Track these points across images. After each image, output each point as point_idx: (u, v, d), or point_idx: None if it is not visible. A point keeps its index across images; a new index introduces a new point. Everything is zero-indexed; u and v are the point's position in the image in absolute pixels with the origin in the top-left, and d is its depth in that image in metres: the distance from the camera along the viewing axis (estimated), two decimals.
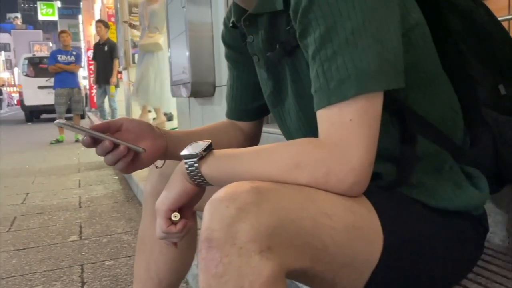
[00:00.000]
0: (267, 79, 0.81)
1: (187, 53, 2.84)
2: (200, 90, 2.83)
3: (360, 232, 0.60)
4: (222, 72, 2.66)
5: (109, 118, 7.04)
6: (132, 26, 6.34)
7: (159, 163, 0.87)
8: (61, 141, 6.87)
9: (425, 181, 0.69)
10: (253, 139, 1.00)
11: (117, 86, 7.09)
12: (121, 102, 7.90)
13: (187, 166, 0.65)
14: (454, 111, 0.73)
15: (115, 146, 0.73)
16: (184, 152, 0.66)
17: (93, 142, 0.73)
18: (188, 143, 0.88)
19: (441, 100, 0.71)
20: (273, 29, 0.74)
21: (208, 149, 0.65)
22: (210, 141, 0.66)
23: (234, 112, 0.98)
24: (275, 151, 0.61)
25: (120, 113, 7.48)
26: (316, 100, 0.60)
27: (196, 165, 0.64)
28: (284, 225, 0.53)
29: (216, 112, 2.84)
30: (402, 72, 0.61)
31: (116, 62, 6.77)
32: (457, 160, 0.72)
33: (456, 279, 0.76)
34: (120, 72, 7.36)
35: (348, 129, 0.57)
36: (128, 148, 0.74)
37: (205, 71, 2.80)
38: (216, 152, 0.65)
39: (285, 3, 0.68)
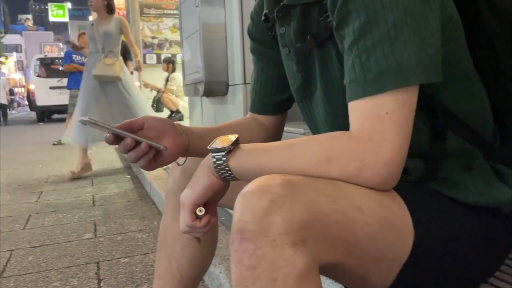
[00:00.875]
0: (296, 71, 0.81)
1: (200, 53, 2.84)
2: (214, 89, 2.83)
3: (391, 227, 0.60)
4: (235, 71, 2.66)
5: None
6: (76, 48, 5.64)
7: (181, 160, 0.87)
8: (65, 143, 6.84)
9: (455, 177, 0.69)
10: (275, 135, 1.00)
11: None
12: None
13: (214, 160, 0.65)
14: (484, 109, 0.73)
15: (137, 143, 0.74)
16: (212, 146, 0.66)
17: (116, 139, 0.74)
18: (210, 140, 0.88)
19: (472, 96, 0.71)
20: (306, 20, 0.74)
21: (236, 143, 0.65)
22: (237, 135, 0.66)
23: (258, 106, 0.98)
24: (306, 145, 0.61)
25: None
26: (350, 91, 0.60)
27: (224, 159, 0.64)
28: (317, 218, 0.53)
29: (229, 111, 2.84)
30: (440, 66, 0.60)
31: (129, 64, 6.81)
32: (487, 158, 0.71)
33: (484, 276, 0.75)
34: (131, 73, 7.40)
35: (383, 123, 0.56)
36: (150, 145, 0.74)
37: (218, 70, 2.80)
38: (244, 146, 0.65)
39: None
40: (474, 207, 0.68)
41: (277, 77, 0.93)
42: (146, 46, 7.53)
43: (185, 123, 5.18)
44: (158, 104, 6.90)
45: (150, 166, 0.78)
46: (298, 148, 0.61)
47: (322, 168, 0.58)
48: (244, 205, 0.53)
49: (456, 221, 0.67)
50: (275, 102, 0.96)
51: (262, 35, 0.92)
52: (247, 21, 0.97)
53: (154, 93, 7.03)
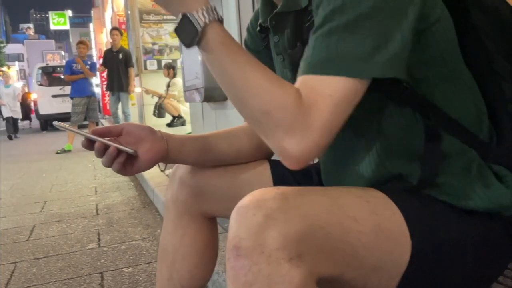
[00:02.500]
0: (291, 78, 0.81)
1: (200, 58, 2.85)
2: (214, 95, 2.84)
3: (387, 235, 0.60)
4: None
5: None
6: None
7: (162, 166, 0.88)
8: (69, 151, 6.77)
9: (452, 181, 0.68)
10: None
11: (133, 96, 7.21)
12: (134, 108, 7.98)
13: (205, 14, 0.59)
14: (478, 108, 0.72)
15: (107, 148, 0.75)
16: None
17: (90, 144, 0.76)
18: (191, 148, 0.88)
19: (464, 96, 0.70)
20: (298, 27, 0.74)
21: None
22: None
23: None
24: (263, 81, 0.58)
25: (134, 119, 7.55)
26: (302, 67, 0.59)
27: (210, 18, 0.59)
28: (313, 231, 0.53)
29: (229, 116, 2.84)
30: (403, 64, 0.59)
31: (131, 70, 6.84)
32: (484, 158, 0.70)
33: (487, 281, 0.74)
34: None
35: (325, 104, 0.55)
36: (118, 149, 0.76)
37: None
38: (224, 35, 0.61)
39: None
40: (474, 212, 0.67)
41: None
42: (146, 52, 7.56)
43: (187, 128, 5.18)
44: (159, 110, 6.92)
45: (126, 171, 0.79)
46: (252, 79, 0.58)
47: (256, 115, 0.57)
48: (239, 221, 0.53)
49: (455, 226, 0.66)
50: None
51: (257, 45, 0.93)
52: (245, 25, 0.98)
53: (156, 99, 7.05)
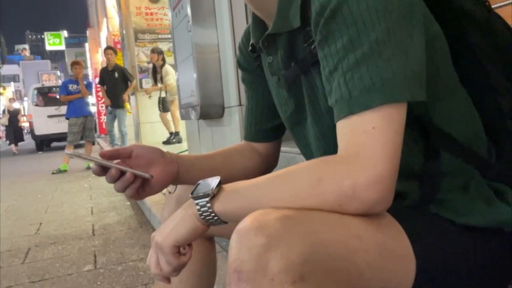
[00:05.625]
0: (287, 98, 0.80)
1: (195, 76, 2.85)
2: (209, 112, 2.83)
3: (392, 253, 0.58)
4: (230, 93, 2.66)
5: (118, 144, 7.06)
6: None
7: (171, 188, 0.86)
8: (65, 171, 6.71)
9: (453, 198, 0.67)
10: (270, 161, 0.99)
11: (129, 104, 7.14)
12: (130, 127, 7.96)
13: (198, 207, 0.62)
14: (475, 125, 0.72)
15: (122, 173, 0.74)
16: (194, 192, 0.64)
17: (102, 170, 0.74)
18: (201, 167, 0.87)
19: (461, 113, 0.69)
20: (292, 48, 0.73)
21: (218, 185, 0.63)
22: (219, 177, 0.64)
23: (250, 133, 0.97)
24: (293, 172, 0.59)
25: (130, 138, 7.53)
26: (337, 111, 0.59)
27: (208, 205, 0.61)
28: (316, 251, 0.51)
29: (226, 133, 2.83)
30: (425, 84, 0.59)
31: (133, 83, 6.90)
32: (483, 175, 0.70)
33: None
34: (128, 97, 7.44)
35: (370, 137, 0.55)
36: (135, 175, 0.74)
37: (213, 93, 2.80)
38: (227, 186, 0.63)
39: (302, 19, 0.68)
40: (476, 228, 0.66)
41: (267, 104, 0.93)
42: (142, 71, 7.59)
43: (183, 145, 5.17)
44: (164, 104, 6.70)
45: (138, 195, 0.77)
46: (286, 177, 0.59)
47: (316, 190, 0.55)
48: (240, 243, 0.51)
49: (457, 243, 0.65)
50: (267, 129, 0.95)
51: (250, 64, 0.93)
52: (239, 38, 0.98)
53: (154, 102, 6.93)
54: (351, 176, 0.54)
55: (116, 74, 6.72)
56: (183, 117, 3.38)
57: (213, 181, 0.64)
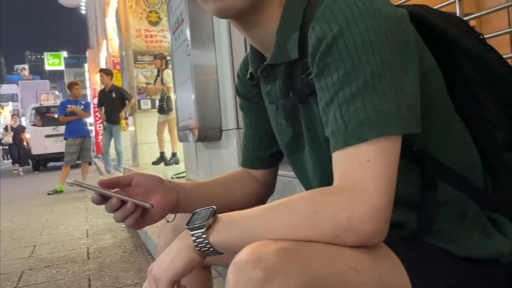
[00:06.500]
0: (286, 126, 0.81)
1: (193, 99, 2.87)
2: (207, 135, 2.85)
3: (389, 286, 0.58)
4: (228, 117, 2.68)
5: (113, 164, 7.03)
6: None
7: (170, 217, 0.86)
8: (61, 191, 6.67)
9: (450, 229, 0.67)
10: (268, 188, 0.99)
11: (124, 121, 7.12)
12: (127, 148, 7.96)
13: (194, 238, 0.62)
14: (471, 156, 0.72)
15: (123, 203, 0.73)
16: (189, 223, 0.63)
17: (102, 199, 0.73)
18: (200, 196, 0.87)
19: (457, 143, 0.70)
20: (290, 78, 0.74)
21: (213, 216, 0.62)
22: (214, 207, 0.64)
23: (248, 160, 0.97)
24: (288, 204, 0.59)
25: (126, 157, 7.51)
26: (333, 142, 0.59)
27: (204, 236, 0.61)
28: (314, 284, 0.51)
29: (224, 156, 2.83)
30: (419, 116, 0.60)
31: (132, 101, 6.92)
32: (480, 206, 0.70)
33: None
34: (126, 118, 7.45)
35: (365, 169, 0.55)
36: (136, 204, 0.74)
37: (211, 116, 2.82)
38: (223, 216, 0.63)
39: (300, 51, 0.69)
40: (473, 260, 0.66)
41: (265, 131, 0.93)
42: (140, 92, 7.63)
43: (181, 166, 5.16)
44: (167, 102, 6.43)
45: (137, 225, 0.77)
46: (282, 208, 0.59)
47: (312, 222, 0.55)
48: (237, 276, 0.51)
49: (455, 275, 0.65)
50: (265, 156, 0.95)
51: (248, 92, 0.93)
52: (238, 65, 0.99)
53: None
54: (347, 208, 0.54)
55: (114, 94, 6.76)
56: (181, 139, 3.39)
57: (209, 211, 0.64)
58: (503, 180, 0.73)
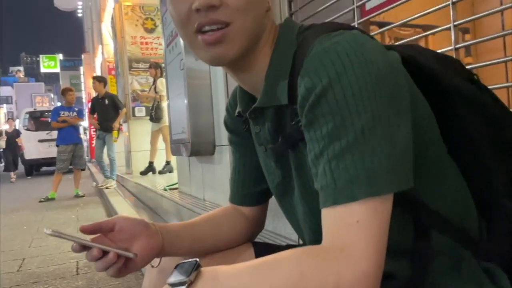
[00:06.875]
0: (275, 168, 0.79)
1: (186, 113, 2.85)
2: (200, 149, 2.82)
3: None
4: (222, 132, 2.65)
5: (108, 169, 6.96)
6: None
7: (155, 262, 0.83)
8: (52, 199, 6.58)
9: (444, 281, 0.65)
10: (257, 224, 0.96)
11: (117, 132, 7.09)
12: (121, 154, 7.91)
13: None
14: (466, 203, 0.70)
15: (105, 252, 0.71)
16: (171, 279, 0.60)
17: (83, 248, 0.71)
18: (185, 238, 0.84)
19: (451, 191, 0.68)
20: (279, 122, 0.72)
21: (196, 269, 0.60)
22: (197, 259, 0.61)
23: (237, 197, 0.95)
24: (275, 263, 0.56)
25: (120, 164, 7.46)
26: (322, 198, 0.57)
27: None
28: None
29: (216, 171, 2.81)
30: (411, 170, 0.58)
31: (123, 111, 6.87)
32: (474, 256, 0.68)
33: None
34: (121, 124, 7.42)
35: (354, 231, 0.53)
36: (118, 254, 0.71)
37: (204, 131, 2.80)
38: (206, 272, 0.59)
39: (290, 98, 0.67)
40: None
41: (254, 167, 0.90)
42: (135, 99, 7.59)
43: (174, 175, 5.12)
44: (157, 111, 6.44)
45: (120, 274, 0.74)
46: (267, 268, 0.56)
47: (298, 285, 0.52)
48: None
49: None
50: (254, 193, 0.93)
51: (237, 127, 0.90)
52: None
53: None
54: (335, 273, 0.52)
55: (107, 101, 6.73)
56: (174, 153, 3.36)
57: (191, 265, 0.61)
58: (498, 227, 0.72)
